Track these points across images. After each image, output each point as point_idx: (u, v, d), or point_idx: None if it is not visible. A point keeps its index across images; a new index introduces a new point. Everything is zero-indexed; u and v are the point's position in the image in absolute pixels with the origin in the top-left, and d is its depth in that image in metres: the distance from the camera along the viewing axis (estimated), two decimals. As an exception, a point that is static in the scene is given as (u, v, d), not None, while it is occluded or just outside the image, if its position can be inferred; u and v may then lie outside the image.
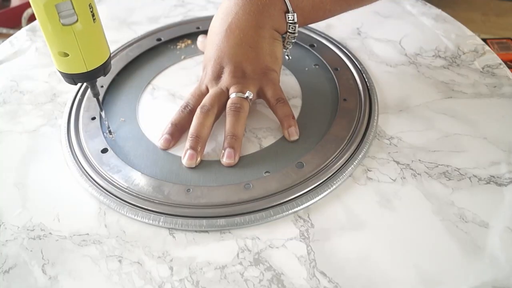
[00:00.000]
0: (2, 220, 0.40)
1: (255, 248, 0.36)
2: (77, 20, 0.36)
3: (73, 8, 0.35)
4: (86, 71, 0.39)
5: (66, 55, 0.37)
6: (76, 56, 0.38)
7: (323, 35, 0.58)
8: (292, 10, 0.45)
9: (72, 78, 0.40)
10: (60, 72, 0.40)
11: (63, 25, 0.35)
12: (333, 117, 0.46)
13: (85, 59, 0.38)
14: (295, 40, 0.48)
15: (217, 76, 0.47)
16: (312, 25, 0.56)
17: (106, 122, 0.46)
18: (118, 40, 0.61)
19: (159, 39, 0.60)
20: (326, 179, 0.40)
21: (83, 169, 0.43)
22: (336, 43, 0.57)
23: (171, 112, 0.46)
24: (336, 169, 0.40)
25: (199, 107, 0.44)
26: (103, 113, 0.46)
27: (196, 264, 0.35)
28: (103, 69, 0.40)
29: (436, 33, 0.58)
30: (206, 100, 0.45)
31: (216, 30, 0.47)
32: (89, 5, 0.36)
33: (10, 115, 0.51)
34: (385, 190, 0.39)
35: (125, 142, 0.46)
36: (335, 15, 0.50)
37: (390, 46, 0.57)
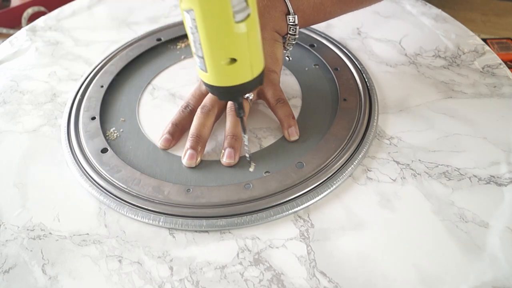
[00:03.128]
0: (2, 220, 0.40)
1: (255, 248, 0.36)
2: (249, 14, 0.28)
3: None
4: (252, 78, 0.31)
5: (233, 61, 0.30)
6: (243, 60, 0.30)
7: (323, 35, 0.58)
8: (293, 12, 0.45)
9: (231, 92, 0.32)
10: (215, 88, 0.32)
11: (237, 22, 0.28)
12: (333, 117, 0.46)
13: (252, 63, 0.30)
14: (295, 41, 0.48)
15: (218, 76, 0.47)
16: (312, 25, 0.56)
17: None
18: (118, 40, 0.62)
19: (159, 39, 0.60)
20: (326, 179, 0.40)
21: (83, 169, 0.43)
22: (336, 43, 0.57)
23: (171, 112, 0.46)
24: (336, 169, 0.40)
25: (199, 107, 0.44)
26: (246, 136, 0.39)
27: (196, 264, 0.35)
28: (261, 75, 0.32)
29: (436, 33, 0.58)
30: (206, 100, 0.45)
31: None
32: None
33: (10, 115, 0.51)
34: (385, 190, 0.39)
35: (125, 142, 0.46)
36: (335, 17, 0.50)
37: (390, 46, 0.57)
